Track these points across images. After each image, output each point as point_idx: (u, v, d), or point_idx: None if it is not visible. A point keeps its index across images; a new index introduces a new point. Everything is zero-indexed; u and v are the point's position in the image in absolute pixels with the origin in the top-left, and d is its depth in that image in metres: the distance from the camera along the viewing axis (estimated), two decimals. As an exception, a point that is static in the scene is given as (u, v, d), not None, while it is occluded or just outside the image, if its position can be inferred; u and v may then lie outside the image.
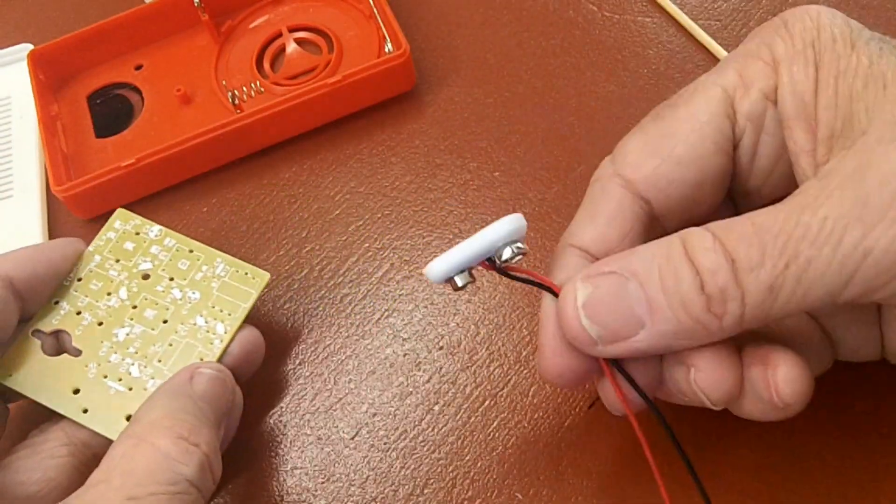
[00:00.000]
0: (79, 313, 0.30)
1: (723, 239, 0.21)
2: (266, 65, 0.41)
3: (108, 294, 0.30)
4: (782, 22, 0.24)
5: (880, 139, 0.21)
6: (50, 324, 0.30)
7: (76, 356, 0.29)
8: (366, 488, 0.29)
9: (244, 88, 0.39)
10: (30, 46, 0.43)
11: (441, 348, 0.32)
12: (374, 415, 0.31)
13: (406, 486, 0.29)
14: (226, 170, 0.38)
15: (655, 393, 0.25)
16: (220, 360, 0.29)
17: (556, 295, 0.24)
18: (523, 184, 0.35)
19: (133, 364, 0.29)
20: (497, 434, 0.30)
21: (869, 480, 0.27)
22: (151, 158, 0.36)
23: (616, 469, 0.28)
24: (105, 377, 0.29)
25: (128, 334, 0.30)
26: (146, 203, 0.38)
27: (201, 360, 0.29)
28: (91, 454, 0.28)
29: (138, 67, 0.42)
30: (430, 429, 0.30)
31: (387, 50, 0.38)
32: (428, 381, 0.31)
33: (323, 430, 0.31)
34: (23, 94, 0.42)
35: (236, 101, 0.39)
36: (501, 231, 0.24)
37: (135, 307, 0.30)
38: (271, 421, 0.31)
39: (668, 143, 0.25)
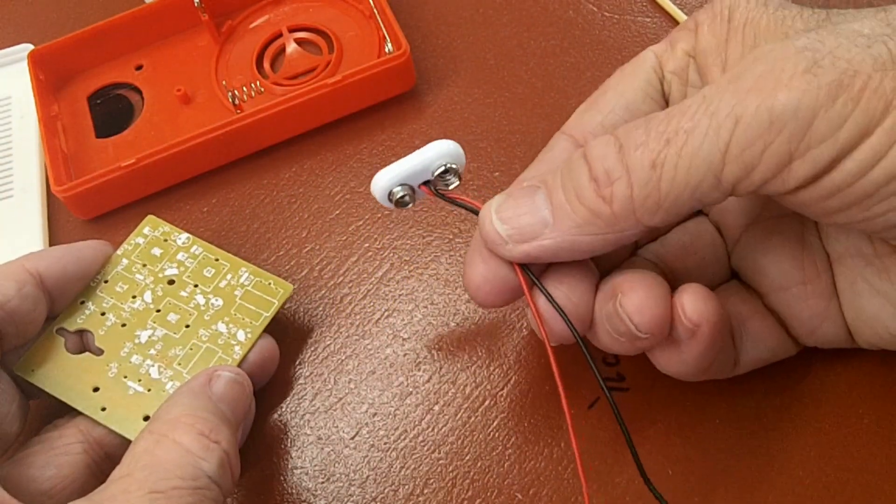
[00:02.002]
0: (103, 314, 0.30)
1: (617, 133, 0.23)
2: (266, 65, 0.41)
3: (133, 297, 0.31)
4: (709, 2, 0.27)
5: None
6: (75, 323, 0.30)
7: (98, 355, 0.30)
8: (366, 488, 0.29)
9: (244, 88, 0.39)
10: (30, 46, 0.43)
11: (441, 348, 0.32)
12: (374, 415, 0.31)
13: (406, 486, 0.29)
14: (226, 170, 0.38)
15: (587, 334, 0.26)
16: (239, 365, 0.29)
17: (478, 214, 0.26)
18: (523, 184, 0.35)
19: (153, 366, 0.29)
20: (497, 434, 0.30)
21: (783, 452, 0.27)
22: (151, 158, 0.36)
23: (616, 469, 0.28)
24: (125, 377, 0.29)
25: (150, 336, 0.30)
26: (146, 203, 0.38)
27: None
28: (104, 453, 0.28)
29: (138, 67, 0.42)
30: (430, 429, 0.30)
31: (387, 50, 0.38)
32: (428, 381, 0.31)
33: (323, 430, 0.31)
34: (23, 94, 0.42)
35: (236, 101, 0.39)
36: (435, 149, 0.26)
37: (158, 311, 0.31)
38: (271, 421, 0.31)
39: (603, 98, 0.27)
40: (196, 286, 0.31)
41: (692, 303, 0.24)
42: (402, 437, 0.30)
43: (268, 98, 0.39)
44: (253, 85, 0.40)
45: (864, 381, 0.29)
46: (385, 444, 0.30)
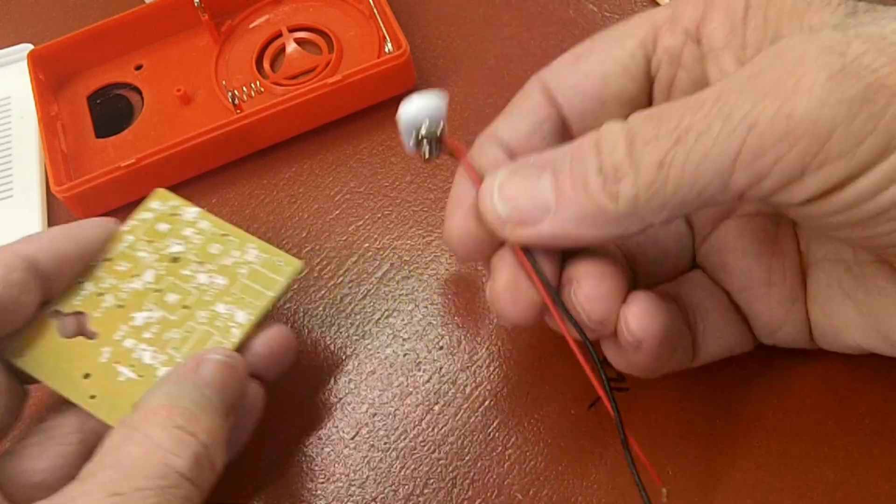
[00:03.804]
0: (101, 295, 0.29)
1: (630, 123, 0.22)
2: (266, 65, 0.41)
3: (134, 276, 0.29)
4: None
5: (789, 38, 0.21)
6: (71, 305, 0.29)
7: (92, 339, 0.28)
8: (366, 488, 0.29)
9: (244, 88, 0.39)
10: (30, 46, 0.43)
11: (441, 348, 0.32)
12: (374, 415, 0.31)
13: (406, 486, 0.29)
14: (226, 170, 0.38)
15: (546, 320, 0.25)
16: (237, 349, 0.27)
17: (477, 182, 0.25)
18: (523, 184, 0.35)
19: (146, 350, 0.28)
20: (497, 434, 0.30)
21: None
22: (151, 158, 0.36)
23: (617, 469, 0.28)
24: (117, 363, 0.28)
25: (146, 319, 0.28)
26: (146, 203, 0.38)
27: None
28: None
29: (138, 67, 0.42)
30: (430, 429, 0.30)
31: (387, 50, 0.38)
32: (428, 381, 0.31)
33: (323, 430, 0.31)
34: (23, 94, 0.42)
35: (236, 101, 0.39)
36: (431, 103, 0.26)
37: (158, 291, 0.29)
38: (271, 421, 0.31)
39: (585, 60, 0.26)
40: (200, 264, 0.29)
41: (636, 318, 0.23)
42: (402, 438, 0.30)
43: (268, 98, 0.39)
44: (253, 85, 0.40)
45: (865, 381, 0.29)
46: (385, 444, 0.30)
